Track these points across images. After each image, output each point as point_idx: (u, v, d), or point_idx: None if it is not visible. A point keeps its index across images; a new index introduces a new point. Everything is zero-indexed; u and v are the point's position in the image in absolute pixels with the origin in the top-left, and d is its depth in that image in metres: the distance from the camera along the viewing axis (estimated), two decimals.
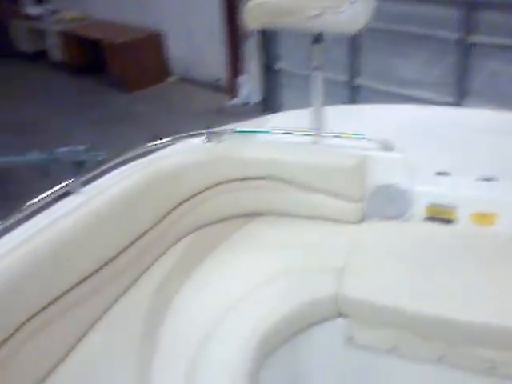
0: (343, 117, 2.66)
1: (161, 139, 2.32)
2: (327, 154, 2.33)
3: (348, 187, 2.31)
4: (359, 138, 2.33)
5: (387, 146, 2.31)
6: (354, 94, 5.09)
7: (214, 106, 6.26)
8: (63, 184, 1.97)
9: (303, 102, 2.70)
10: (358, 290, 1.95)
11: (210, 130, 2.43)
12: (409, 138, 2.44)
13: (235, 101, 6.29)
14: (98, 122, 6.04)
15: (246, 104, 6.25)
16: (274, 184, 2.38)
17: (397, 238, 2.22)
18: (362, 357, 2.04)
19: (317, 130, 2.40)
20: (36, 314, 1.68)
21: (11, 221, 1.76)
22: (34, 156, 4.52)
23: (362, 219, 2.37)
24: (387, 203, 2.32)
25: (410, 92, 4.71)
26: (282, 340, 1.94)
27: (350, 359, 2.06)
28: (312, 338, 2.05)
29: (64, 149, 4.51)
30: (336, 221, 2.36)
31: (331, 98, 2.48)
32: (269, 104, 5.77)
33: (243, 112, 5.66)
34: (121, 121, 6.05)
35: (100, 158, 4.43)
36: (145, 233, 2.15)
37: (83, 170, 4.49)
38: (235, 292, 2.00)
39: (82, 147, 4.52)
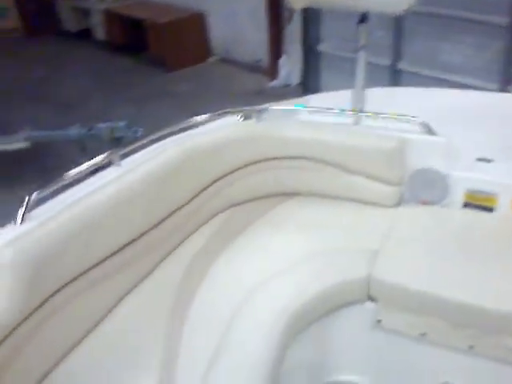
0: (384, 99, 2.61)
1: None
2: (367, 136, 2.30)
3: (387, 170, 2.28)
4: (400, 120, 2.28)
5: (428, 130, 2.26)
6: (395, 79, 4.99)
7: (254, 87, 6.23)
8: (103, 156, 1.99)
9: (343, 85, 2.67)
10: (391, 274, 1.93)
11: (249, 107, 2.43)
12: (450, 123, 2.38)
13: (275, 82, 6.24)
14: (138, 101, 6.08)
15: (285, 86, 6.19)
16: (312, 164, 2.37)
17: (434, 224, 2.18)
18: (389, 341, 2.02)
19: (358, 111, 2.37)
20: (67, 284, 1.71)
21: (51, 189, 1.79)
22: (73, 131, 4.57)
23: (399, 203, 2.33)
24: (426, 188, 2.28)
25: (453, 78, 4.59)
26: (310, 320, 1.93)
27: (377, 343, 2.05)
28: (340, 319, 2.04)
29: (103, 125, 4.55)
30: (373, 203, 2.33)
31: (372, 82, 2.44)
32: (308, 86, 5.71)
33: (283, 94, 5.59)
34: (160, 100, 6.08)
35: (138, 135, 4.47)
36: (180, 207, 2.16)
37: (122, 146, 4.56)
38: (267, 270, 2.00)
39: (120, 124, 4.55)
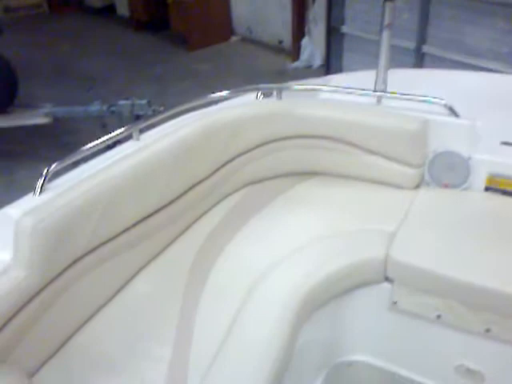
0: (407, 80, 2.57)
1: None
2: (389, 116, 2.27)
3: (408, 151, 2.25)
4: (424, 102, 2.24)
5: (452, 112, 2.22)
6: (419, 63, 4.91)
7: (276, 67, 6.18)
8: (122, 130, 1.99)
9: (365, 68, 2.64)
10: (408, 255, 1.91)
11: (270, 85, 2.41)
12: (475, 105, 2.34)
13: (297, 63, 6.19)
14: (159, 79, 6.08)
15: (307, 67, 6.14)
16: (332, 144, 2.34)
17: (454, 207, 2.15)
18: (404, 323, 2.01)
19: (380, 90, 2.33)
20: (85, 256, 1.73)
21: (69, 162, 1.80)
22: (94, 108, 4.59)
23: (419, 185, 2.31)
24: (447, 170, 2.25)
25: (478, 62, 4.50)
26: (325, 299, 1.93)
27: (392, 325, 2.04)
28: (356, 300, 2.03)
29: (124, 102, 4.56)
30: (392, 185, 2.31)
31: (396, 66, 2.41)
32: (331, 68, 5.65)
33: (304, 75, 5.55)
34: (181, 78, 6.07)
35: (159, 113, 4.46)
36: (198, 183, 2.16)
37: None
38: (283, 248, 2.00)
39: (141, 101, 4.56)
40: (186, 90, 5.68)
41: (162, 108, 4.44)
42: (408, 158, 2.25)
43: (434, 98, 2.24)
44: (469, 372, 1.95)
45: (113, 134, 1.96)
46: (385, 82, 2.36)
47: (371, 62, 2.38)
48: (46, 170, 1.71)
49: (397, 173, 2.30)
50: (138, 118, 4.61)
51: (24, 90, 4.64)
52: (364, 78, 2.44)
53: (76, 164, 1.87)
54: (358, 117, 2.30)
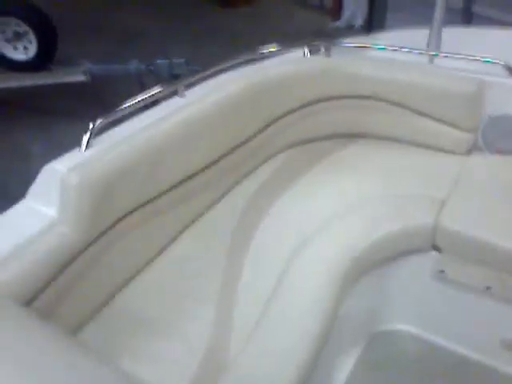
0: (462, 39, 2.44)
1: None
2: (443, 77, 2.16)
3: (462, 115, 2.14)
4: (481, 62, 2.13)
5: (510, 72, 2.10)
6: (467, 23, 4.71)
7: (316, 27, 6.01)
8: (168, 86, 1.94)
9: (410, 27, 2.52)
10: (458, 223, 1.84)
11: (318, 42, 2.31)
12: None
13: (338, 23, 6.01)
14: (194, 37, 5.98)
15: (349, 27, 5.95)
16: (382, 104, 2.25)
17: (507, 175, 2.06)
18: (450, 293, 1.95)
19: (434, 49, 2.22)
20: (130, 213, 1.70)
21: (115, 117, 1.76)
22: (132, 66, 4.55)
23: (471, 151, 2.21)
24: (502, 136, 2.15)
25: None
26: (370, 265, 1.88)
27: (438, 294, 1.98)
28: (401, 267, 1.98)
29: (162, 61, 4.51)
30: (444, 150, 2.22)
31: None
32: (373, 29, 5.47)
33: (346, 36, 5.39)
34: (216, 37, 5.96)
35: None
36: (244, 142, 2.11)
37: None
38: (328, 211, 1.94)
39: (179, 60, 4.50)
40: (220, 48, 5.57)
41: (198, 68, 4.38)
42: (461, 122, 2.16)
43: (492, 58, 2.12)
44: None
45: (158, 89, 1.90)
46: (439, 40, 2.25)
47: (417, 23, 2.27)
48: (91, 126, 1.67)
49: (448, 137, 2.21)
50: (175, 77, 4.56)
51: (60, 48, 4.61)
52: (414, 36, 2.33)
53: (121, 120, 1.83)
54: (410, 76, 2.20)
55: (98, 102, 4.60)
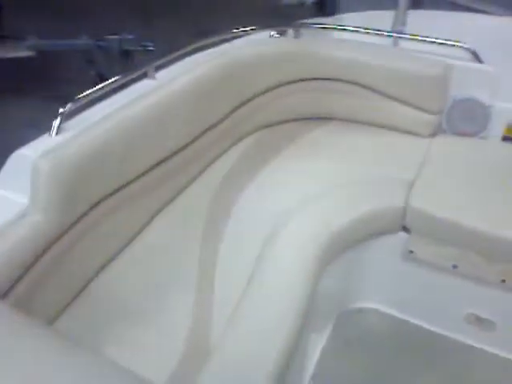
0: (426, 22, 2.48)
1: (237, 29, 2.20)
2: (410, 59, 2.19)
3: (428, 97, 2.19)
4: (446, 45, 2.17)
5: (476, 57, 2.16)
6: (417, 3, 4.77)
7: (267, 4, 5.95)
8: (138, 68, 1.88)
9: (362, 8, 2.54)
10: (426, 204, 1.89)
11: (289, 24, 2.30)
12: (496, 51, 2.27)
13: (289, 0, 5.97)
14: (146, 12, 5.82)
15: (300, 4, 5.92)
16: (349, 87, 2.27)
17: (471, 156, 2.12)
18: (419, 272, 2.01)
19: (400, 32, 2.25)
20: (103, 199, 1.66)
21: (84, 101, 1.70)
22: (81, 41, 4.39)
23: (436, 133, 2.26)
24: (466, 118, 2.21)
25: (487, 8, 4.39)
26: (343, 247, 1.91)
27: (407, 273, 2.04)
28: (372, 248, 2.02)
29: (112, 37, 4.37)
30: (410, 132, 2.26)
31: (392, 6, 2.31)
32: (325, 6, 5.46)
33: (297, 13, 5.36)
34: (168, 12, 5.82)
35: (150, 49, 4.31)
36: (216, 125, 2.08)
37: (130, 60, 4.39)
38: (301, 194, 1.95)
39: (130, 36, 4.37)
40: (172, 24, 5.45)
41: (151, 44, 4.28)
42: (427, 104, 2.20)
43: (456, 41, 2.16)
44: (479, 320, 1.98)
45: (128, 72, 1.84)
46: (404, 23, 2.27)
47: (372, 2, 2.28)
48: (61, 110, 1.60)
49: (414, 119, 2.25)
50: (127, 53, 4.44)
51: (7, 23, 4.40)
52: (380, 17, 2.35)
53: (90, 104, 1.76)
54: (377, 59, 2.22)
55: (45, 79, 4.43)
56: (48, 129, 1.61)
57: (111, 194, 1.67)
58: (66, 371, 0.91)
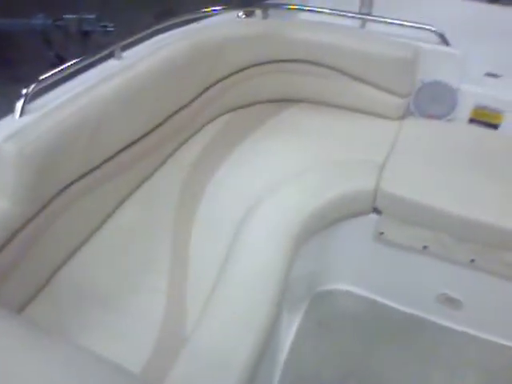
0: (393, 4, 2.47)
1: (204, 9, 2.15)
2: (380, 42, 2.19)
3: (397, 80, 2.19)
4: (413, 27, 2.17)
5: (444, 40, 2.17)
6: None
7: None
8: (104, 47, 1.82)
9: None
10: (396, 187, 1.90)
11: (256, 5, 2.26)
12: (464, 35, 2.29)
13: None
14: None
15: None
16: (318, 69, 2.25)
17: (439, 138, 2.14)
18: (390, 254, 2.03)
19: (368, 14, 2.24)
20: (71, 184, 1.60)
21: (48, 82, 1.63)
22: (37, 21, 4.23)
23: (404, 115, 2.27)
24: (433, 101, 2.23)
25: None
26: (314, 230, 1.90)
27: (378, 255, 2.06)
28: (343, 231, 2.02)
29: (70, 16, 4.23)
30: (378, 115, 2.27)
31: None
32: None
33: None
34: None
35: (109, 30, 4.19)
36: (184, 107, 2.04)
37: (89, 40, 4.25)
38: (271, 177, 1.94)
39: (89, 16, 4.24)
40: (129, 4, 5.29)
41: (111, 25, 4.17)
42: (395, 87, 2.20)
43: (424, 24, 2.17)
44: (448, 300, 2.02)
45: (94, 52, 1.77)
46: (370, 4, 2.26)
47: None
48: (25, 90, 1.53)
49: (382, 102, 2.25)
50: (85, 34, 4.31)
51: None
52: None
53: (55, 84, 1.69)
54: (346, 41, 2.20)
55: (2, 59, 4.26)
56: (9, 112, 1.54)
57: (80, 178, 1.62)
58: (36, 359, 0.88)
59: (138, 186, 1.90)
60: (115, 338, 1.40)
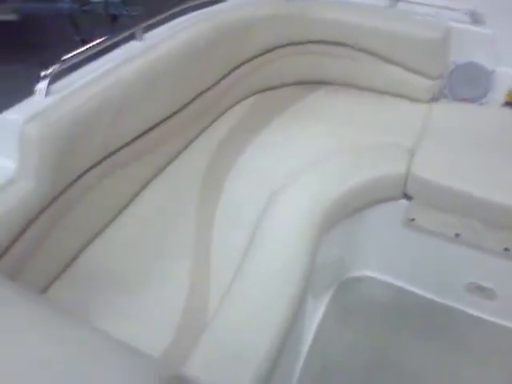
0: None
1: None
2: (409, 22, 2.11)
3: (428, 61, 2.11)
4: (445, 7, 2.09)
5: (477, 19, 2.08)
6: None
7: None
8: (126, 29, 1.79)
9: None
10: (428, 171, 1.83)
11: None
12: (498, 12, 2.19)
13: None
14: None
15: None
16: (346, 50, 2.19)
17: (472, 122, 2.07)
18: (420, 241, 1.97)
19: None
20: (94, 166, 1.58)
21: (71, 62, 1.60)
22: (65, 5, 4.25)
23: (436, 98, 2.19)
24: (467, 83, 2.14)
25: None
26: (342, 215, 1.85)
27: (408, 242, 2.00)
28: (372, 216, 1.97)
29: (97, 0, 4.23)
30: (409, 97, 2.19)
31: None
32: None
33: None
34: None
35: (135, 14, 4.19)
36: (207, 90, 2.00)
37: (116, 24, 4.24)
38: (298, 161, 1.89)
39: (115, 0, 4.24)
40: None
41: (137, 9, 4.17)
42: (427, 69, 2.13)
43: (456, 3, 2.08)
44: (479, 289, 1.95)
45: (116, 33, 1.74)
46: None
47: None
48: (48, 71, 1.51)
49: (412, 84, 2.18)
50: (112, 17, 4.31)
51: None
52: None
53: (76, 66, 1.66)
54: (375, 21, 2.13)
55: (29, 43, 4.29)
56: (31, 94, 1.52)
57: (102, 160, 1.60)
58: (57, 340, 0.86)
59: (161, 170, 1.87)
60: (135, 322, 1.38)
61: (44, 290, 1.46)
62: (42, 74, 1.52)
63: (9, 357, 0.80)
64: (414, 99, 2.19)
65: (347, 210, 1.86)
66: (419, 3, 2.14)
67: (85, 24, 4.19)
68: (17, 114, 1.42)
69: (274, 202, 1.71)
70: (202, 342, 1.28)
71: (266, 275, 1.47)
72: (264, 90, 2.28)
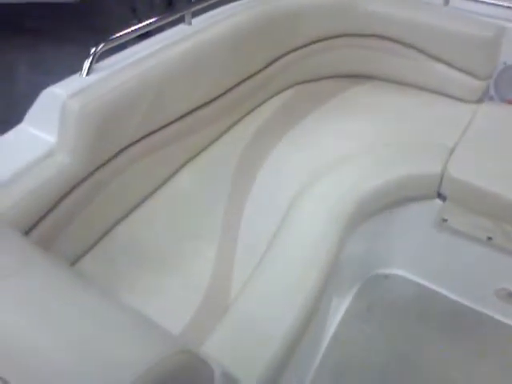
0: None
1: None
2: (460, 19, 2.07)
3: (477, 61, 2.07)
4: (498, 6, 2.04)
5: None
6: None
7: None
8: (175, 12, 1.83)
9: None
10: (465, 173, 1.81)
11: None
12: None
13: None
14: None
15: None
16: (393, 45, 2.17)
17: None
18: (451, 242, 1.94)
19: None
20: (131, 145, 1.63)
21: (117, 43, 1.65)
22: None
23: (482, 99, 2.15)
24: None
25: None
26: (374, 211, 1.85)
27: (439, 242, 1.97)
28: (404, 214, 1.95)
29: None
30: (454, 96, 2.16)
31: None
32: None
33: None
34: None
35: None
36: (250, 76, 2.02)
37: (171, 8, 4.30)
38: (334, 153, 1.89)
39: None
40: None
41: None
42: (475, 69, 2.08)
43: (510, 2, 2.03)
44: (509, 295, 1.91)
45: (163, 16, 1.78)
46: None
47: None
48: (93, 50, 1.57)
49: (459, 83, 2.14)
50: (170, 3, 4.37)
51: None
52: None
53: (123, 46, 1.72)
54: (424, 17, 2.11)
55: (86, 25, 4.40)
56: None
57: (140, 140, 1.65)
58: (79, 309, 0.90)
59: (198, 153, 1.91)
60: (159, 298, 1.43)
61: (75, 261, 1.52)
62: (91, 51, 1.58)
63: (36, 326, 0.85)
64: (460, 98, 2.15)
65: (378, 206, 1.86)
66: (473, 0, 2.09)
67: (143, 8, 4.27)
68: (61, 89, 1.48)
69: (305, 192, 1.72)
70: (222, 325, 1.31)
71: (289, 265, 1.49)
72: (307, 81, 2.28)
